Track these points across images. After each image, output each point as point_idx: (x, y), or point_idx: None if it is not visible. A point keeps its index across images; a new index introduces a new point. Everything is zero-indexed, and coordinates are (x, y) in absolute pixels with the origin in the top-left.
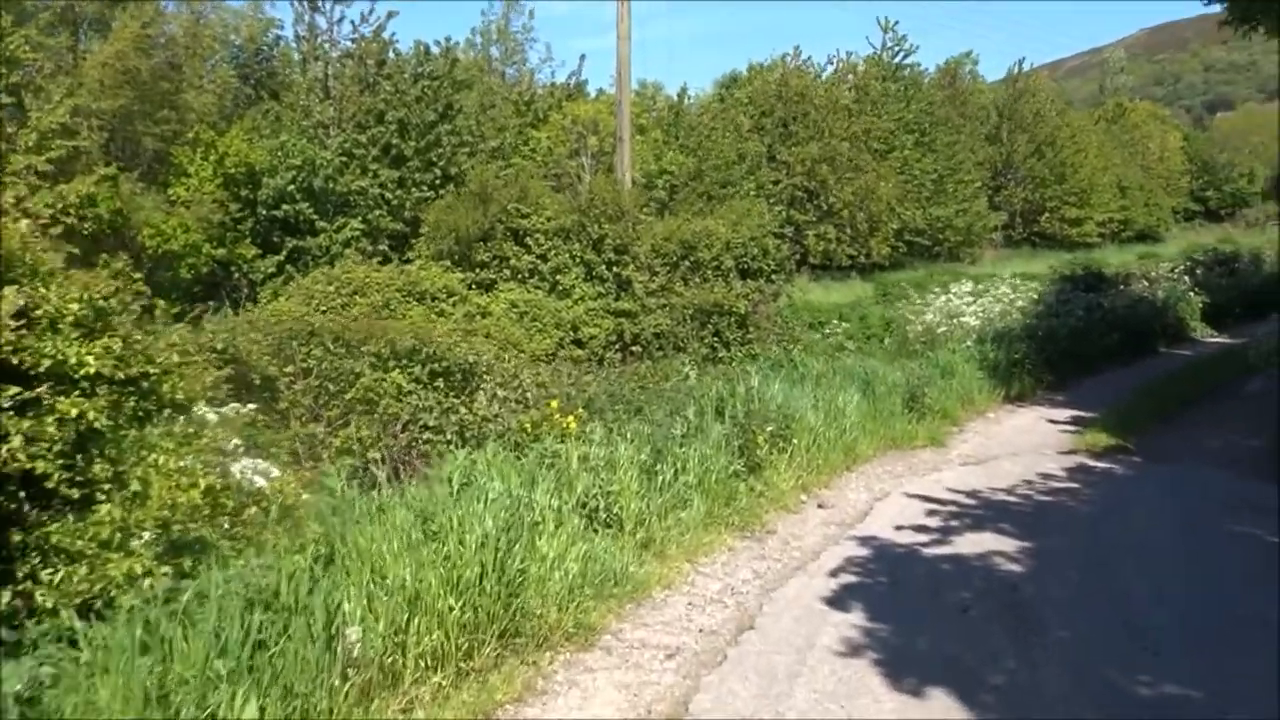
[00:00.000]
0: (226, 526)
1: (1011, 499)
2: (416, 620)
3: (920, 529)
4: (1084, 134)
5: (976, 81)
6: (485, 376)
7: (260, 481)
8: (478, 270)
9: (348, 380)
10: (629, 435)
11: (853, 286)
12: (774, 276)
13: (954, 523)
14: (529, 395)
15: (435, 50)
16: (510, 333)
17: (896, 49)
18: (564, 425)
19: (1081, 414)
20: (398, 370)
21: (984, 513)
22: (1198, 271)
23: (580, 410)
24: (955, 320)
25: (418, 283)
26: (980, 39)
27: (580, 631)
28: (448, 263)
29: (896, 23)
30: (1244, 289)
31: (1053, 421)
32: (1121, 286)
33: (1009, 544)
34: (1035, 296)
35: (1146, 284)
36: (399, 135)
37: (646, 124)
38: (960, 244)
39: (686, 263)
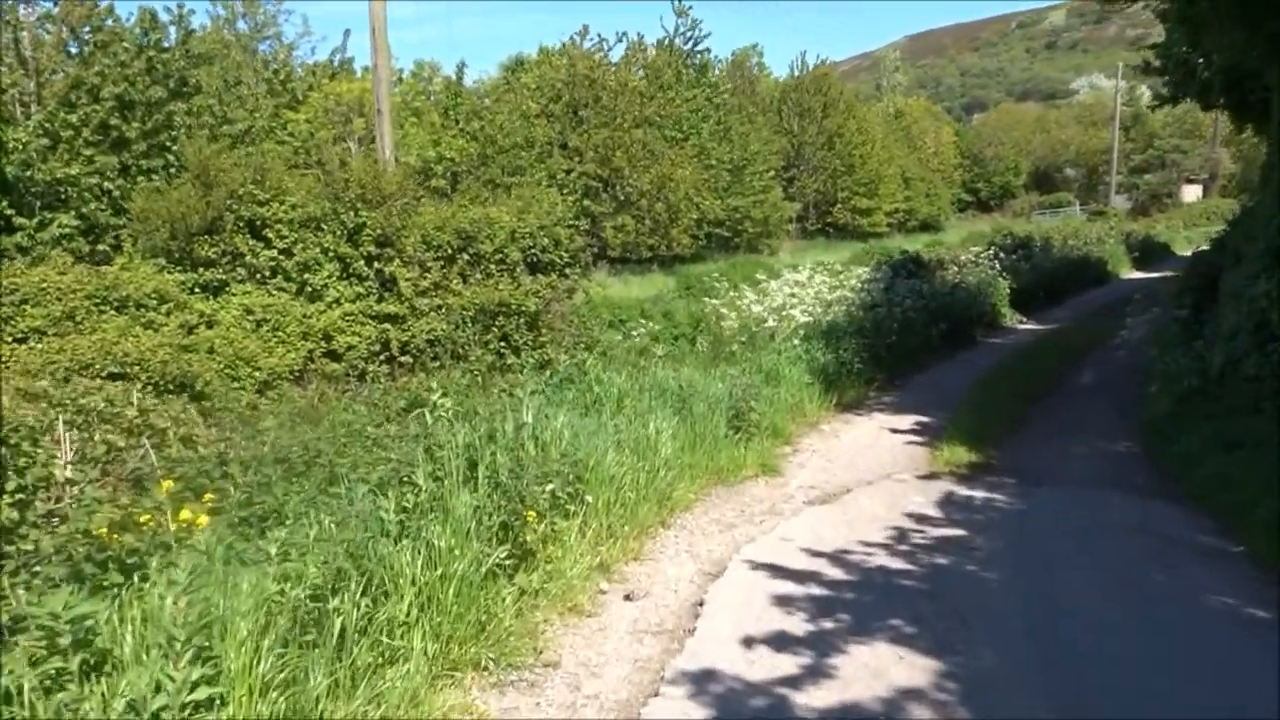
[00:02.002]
0: None
1: (892, 564)
2: None
3: (781, 642)
4: (869, 126)
5: (764, 73)
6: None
7: None
8: (202, 270)
9: None
10: (280, 543)
11: (654, 280)
12: (568, 270)
13: (827, 623)
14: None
15: (166, 18)
16: (242, 346)
17: (689, 34)
18: (180, 524)
19: (924, 420)
20: None
21: (864, 598)
22: (1000, 256)
23: (222, 497)
24: (780, 314)
25: (117, 286)
26: (759, 39)
27: None
28: (162, 261)
29: (690, 6)
30: (1041, 273)
31: (896, 432)
32: (939, 273)
33: (920, 667)
34: (858, 285)
35: (956, 269)
36: (119, 115)
37: (423, 107)
38: (759, 235)
39: (465, 256)
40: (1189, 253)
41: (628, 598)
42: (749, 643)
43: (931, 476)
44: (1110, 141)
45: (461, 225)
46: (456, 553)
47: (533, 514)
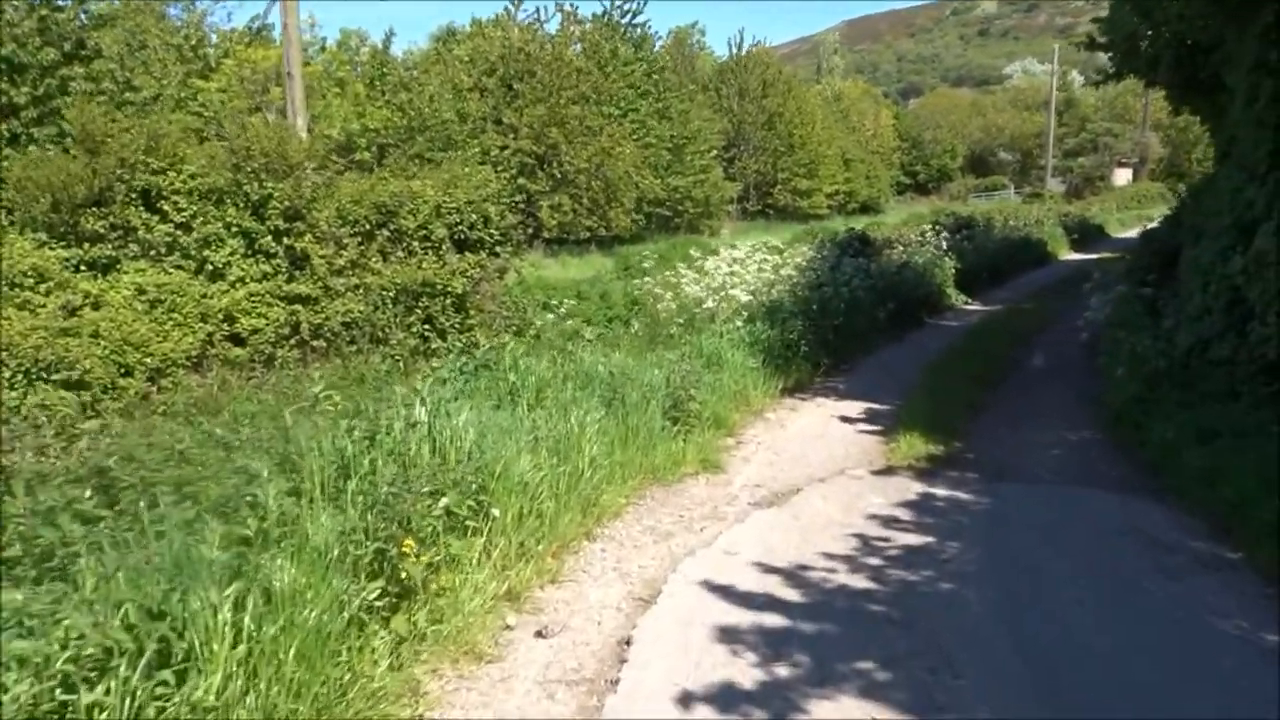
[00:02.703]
0: None
1: (854, 583)
2: None
3: (727, 700)
4: (809, 106)
5: (704, 51)
6: None
7: None
8: (89, 245)
9: None
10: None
11: (592, 260)
12: (498, 249)
13: (782, 669)
14: None
15: None
16: (131, 329)
17: (626, 7)
18: None
19: (876, 407)
20: None
21: (825, 629)
22: (946, 236)
23: None
24: (720, 295)
25: None
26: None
27: None
28: (43, 235)
29: None
30: (985, 254)
31: (846, 420)
32: (885, 252)
33: None
34: (803, 263)
35: (902, 249)
36: (8, 79)
37: (348, 77)
38: (700, 215)
39: (385, 232)
40: (1123, 234)
41: (540, 634)
42: (686, 700)
43: (888, 471)
44: (1044, 125)
45: (381, 199)
46: (309, 595)
47: (410, 544)
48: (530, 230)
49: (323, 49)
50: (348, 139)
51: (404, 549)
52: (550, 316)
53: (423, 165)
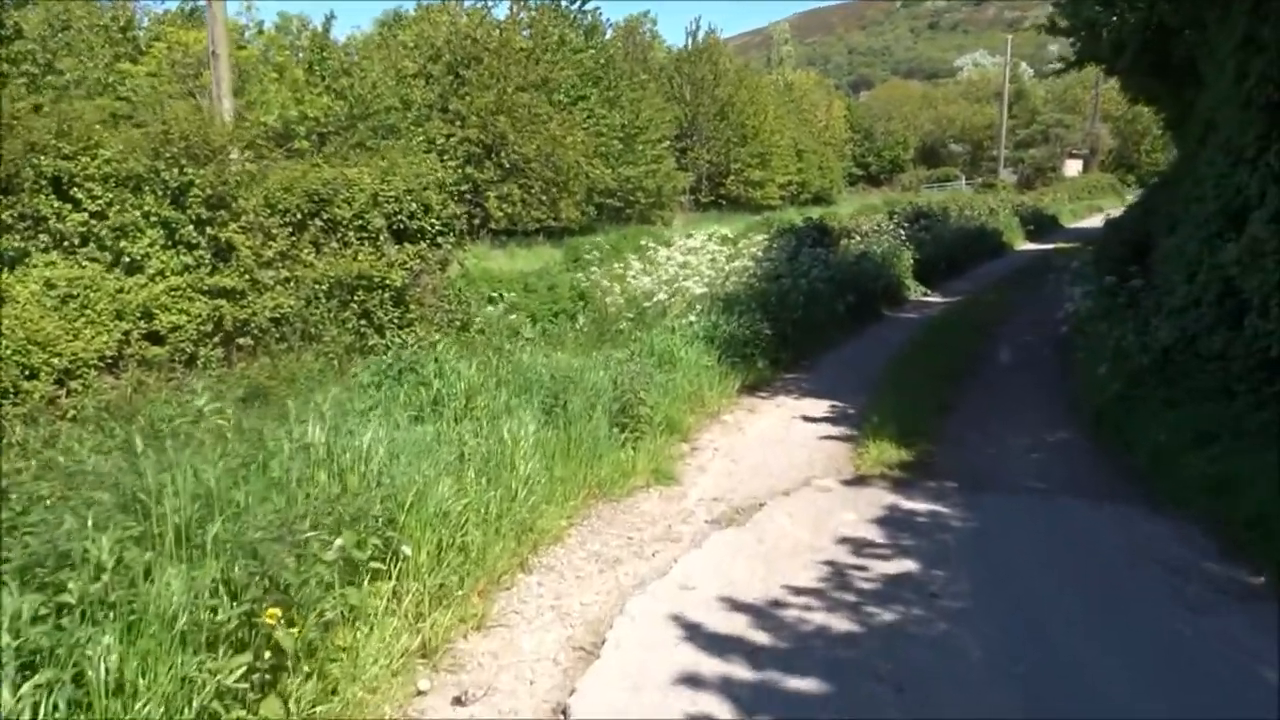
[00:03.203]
0: None
1: (833, 625)
2: None
3: None
4: (761, 96)
5: (657, 40)
6: None
7: None
8: None
9: None
10: None
11: (541, 252)
12: (440, 239)
13: None
14: None
15: None
16: (38, 327)
17: None
18: None
19: (840, 406)
20: None
21: (804, 690)
22: (904, 225)
23: None
24: (672, 287)
25: None
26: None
27: None
28: None
29: None
30: (944, 244)
31: (809, 420)
32: (844, 241)
33: None
34: (759, 254)
35: (860, 239)
36: None
37: (286, 62)
38: (651, 206)
39: (318, 222)
40: (1076, 225)
41: (459, 700)
42: None
43: (859, 481)
44: (994, 117)
45: (313, 186)
46: (142, 683)
47: (274, 612)
48: (477, 221)
49: (260, 32)
50: (285, 127)
51: (268, 617)
52: (492, 310)
53: (366, 155)
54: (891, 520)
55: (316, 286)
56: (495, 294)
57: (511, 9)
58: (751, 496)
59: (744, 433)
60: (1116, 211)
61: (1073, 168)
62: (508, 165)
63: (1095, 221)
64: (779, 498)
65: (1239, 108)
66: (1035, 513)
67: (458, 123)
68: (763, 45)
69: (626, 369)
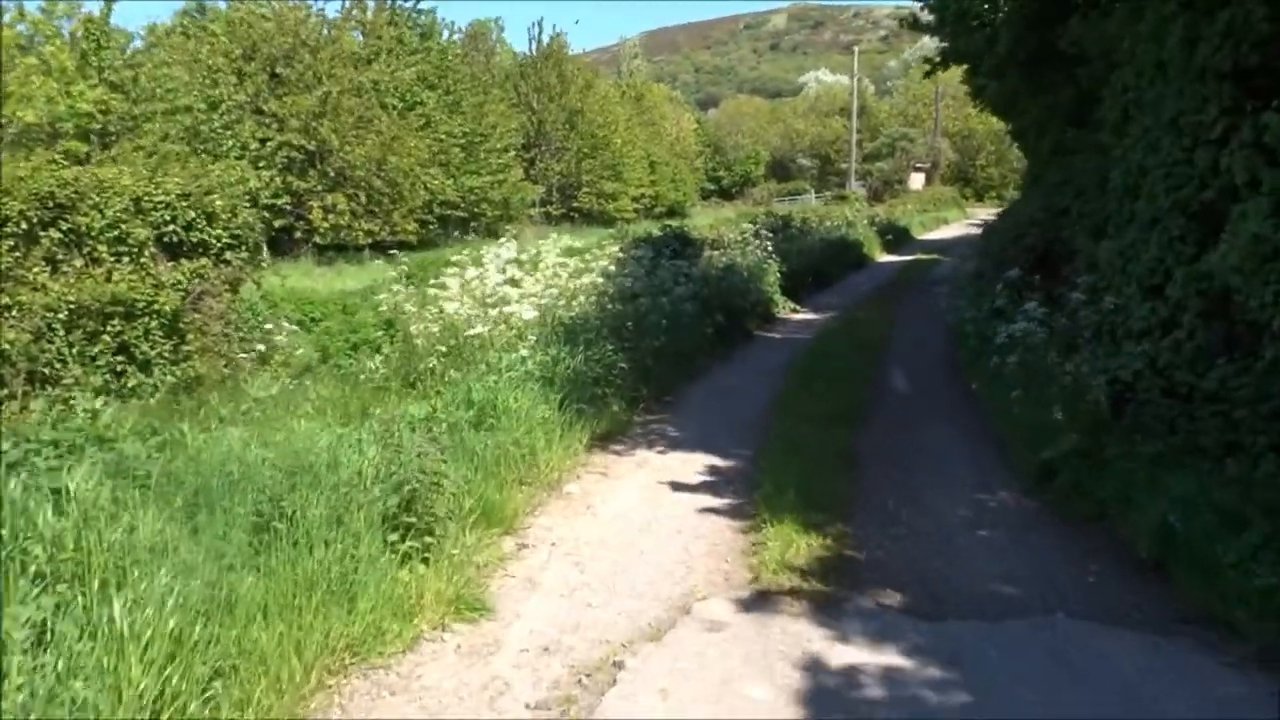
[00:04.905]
0: None
1: None
2: None
3: None
4: (611, 106)
5: (503, 46)
6: None
7: None
8: None
9: None
10: None
11: (374, 270)
12: (229, 254)
13: None
14: None
15: None
16: None
17: None
18: None
19: (719, 464)
20: None
21: None
22: (768, 236)
23: None
24: (497, 312)
25: None
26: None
27: None
28: None
29: None
30: (811, 256)
31: (682, 489)
32: (708, 251)
33: None
34: (611, 268)
35: (721, 250)
36: None
37: (54, 49)
38: (498, 219)
39: (54, 234)
40: (927, 236)
41: None
42: None
43: (763, 603)
44: (840, 131)
45: (46, 188)
46: None
47: None
48: (299, 235)
49: (21, 14)
50: (52, 125)
51: None
52: (261, 349)
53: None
54: (825, 695)
55: (52, 315)
56: (307, 317)
57: (345, 6)
58: (603, 640)
59: (595, 513)
60: (958, 225)
61: (917, 180)
62: (332, 174)
63: (944, 233)
64: (648, 645)
65: (1192, 80)
66: (1037, 658)
67: (275, 126)
68: (611, 63)
69: (413, 444)
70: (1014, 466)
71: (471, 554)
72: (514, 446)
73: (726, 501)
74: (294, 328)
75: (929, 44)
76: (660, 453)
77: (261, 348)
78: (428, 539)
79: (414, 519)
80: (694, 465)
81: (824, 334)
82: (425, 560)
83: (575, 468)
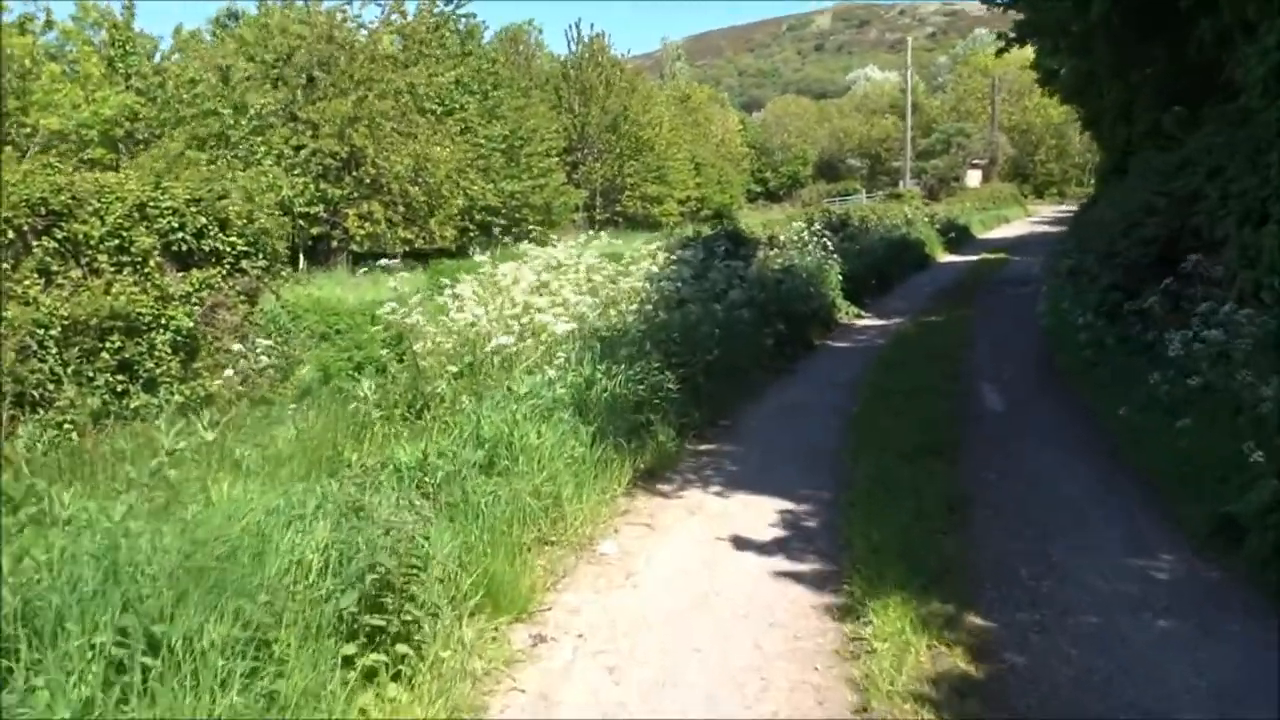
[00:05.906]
0: None
1: None
2: None
3: None
4: (655, 107)
5: (542, 49)
6: None
7: None
8: None
9: None
10: None
11: (413, 279)
12: (245, 263)
13: None
14: None
15: None
16: None
17: None
18: None
19: (790, 509)
20: None
21: None
22: (827, 235)
23: None
24: (524, 324)
25: None
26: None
27: None
28: None
29: None
30: (873, 257)
31: (747, 546)
32: (762, 252)
33: None
34: (656, 271)
35: (777, 251)
36: None
37: (82, 55)
38: (541, 224)
39: (49, 243)
40: (988, 235)
41: None
42: None
43: None
44: (890, 129)
45: (40, 194)
46: None
47: None
48: (335, 243)
49: (49, 24)
50: (77, 132)
51: None
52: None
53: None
54: None
55: (41, 332)
56: (332, 330)
57: (384, 11)
58: None
59: (636, 584)
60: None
61: (974, 177)
62: (368, 180)
63: (1006, 231)
64: None
65: None
66: None
67: (309, 132)
68: (653, 69)
69: (379, 520)
70: (1173, 518)
71: (469, 657)
72: (533, 498)
73: (807, 567)
74: (312, 340)
75: (983, 35)
76: (717, 494)
77: (268, 359)
78: (402, 648)
79: (384, 620)
80: (759, 511)
81: (897, 344)
82: (398, 678)
83: (612, 518)
